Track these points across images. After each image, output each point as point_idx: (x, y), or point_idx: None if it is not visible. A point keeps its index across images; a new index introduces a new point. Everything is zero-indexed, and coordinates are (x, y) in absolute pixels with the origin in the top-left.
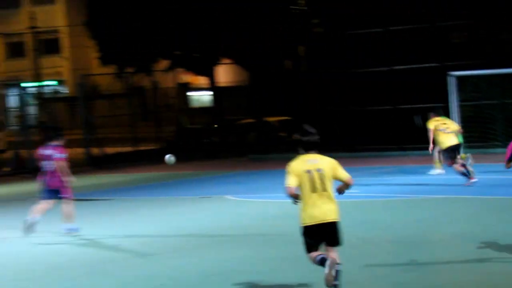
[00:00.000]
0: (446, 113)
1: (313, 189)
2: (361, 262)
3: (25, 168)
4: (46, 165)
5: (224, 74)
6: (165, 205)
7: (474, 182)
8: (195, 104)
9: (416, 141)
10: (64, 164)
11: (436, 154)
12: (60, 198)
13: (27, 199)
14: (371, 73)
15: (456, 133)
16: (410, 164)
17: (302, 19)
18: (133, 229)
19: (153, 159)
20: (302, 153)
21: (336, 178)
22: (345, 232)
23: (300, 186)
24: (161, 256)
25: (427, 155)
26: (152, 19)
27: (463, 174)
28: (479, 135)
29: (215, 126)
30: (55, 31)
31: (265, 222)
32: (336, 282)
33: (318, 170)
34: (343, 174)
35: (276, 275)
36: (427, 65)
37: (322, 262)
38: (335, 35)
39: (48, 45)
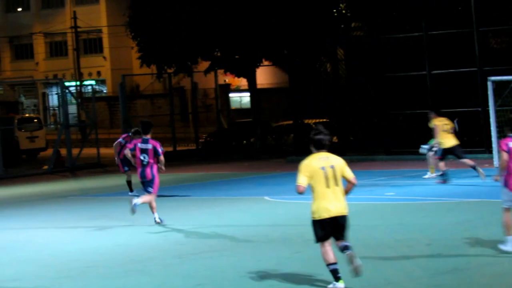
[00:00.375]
0: (486, 118)
1: (327, 185)
2: (397, 263)
3: (64, 167)
4: (143, 158)
5: (264, 76)
6: (203, 205)
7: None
8: (235, 106)
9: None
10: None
11: (431, 158)
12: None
13: (67, 197)
14: (410, 77)
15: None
16: (450, 167)
17: (342, 22)
18: (171, 228)
19: (192, 159)
20: (314, 152)
21: (343, 176)
22: (382, 234)
23: (313, 182)
24: (198, 256)
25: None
26: (193, 20)
27: (442, 174)
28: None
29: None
30: (97, 31)
31: (302, 223)
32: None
33: (331, 167)
34: (350, 173)
35: (313, 276)
36: (465, 69)
37: (335, 272)
38: (375, 39)
39: (90, 44)
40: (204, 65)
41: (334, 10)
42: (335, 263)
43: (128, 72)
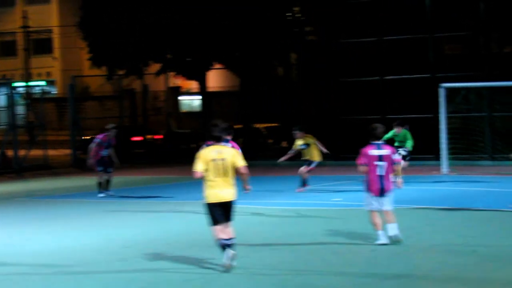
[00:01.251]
0: (436, 125)
1: (218, 174)
2: (341, 269)
3: (10, 168)
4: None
5: (215, 79)
6: (149, 209)
7: None
8: (185, 108)
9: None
10: None
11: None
12: None
13: (12, 199)
14: (362, 82)
15: None
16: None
17: (296, 26)
18: (115, 231)
19: (141, 162)
20: (211, 144)
21: (234, 166)
22: (327, 240)
23: (206, 171)
24: (143, 259)
25: (414, 165)
26: (144, 22)
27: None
28: (466, 146)
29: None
30: (48, 31)
31: (248, 229)
32: (232, 263)
33: (222, 159)
34: (240, 163)
35: (253, 284)
36: (418, 75)
37: (223, 246)
38: (328, 44)
39: (40, 45)
40: (155, 67)
41: (288, 14)
42: (228, 238)
43: (78, 73)
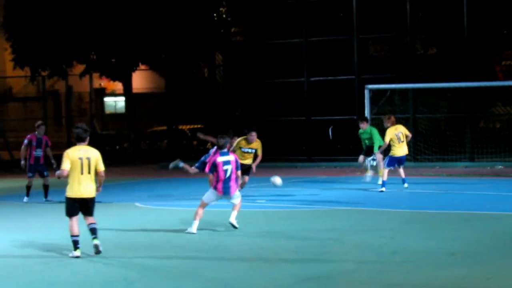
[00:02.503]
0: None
1: (82, 172)
2: (263, 270)
3: None
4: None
5: (140, 80)
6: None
7: None
8: (110, 110)
9: (327, 153)
10: None
11: (367, 162)
12: None
13: None
14: (287, 83)
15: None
16: (320, 175)
17: (222, 27)
18: (39, 234)
19: None
20: (76, 144)
21: (96, 168)
22: (250, 241)
23: (72, 169)
24: (65, 262)
25: (338, 166)
26: (68, 22)
27: None
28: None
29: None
30: None
31: (171, 230)
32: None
33: (87, 158)
34: (101, 167)
35: (179, 281)
36: (344, 77)
37: (75, 243)
38: (253, 45)
39: None
40: (80, 68)
41: (214, 15)
42: (77, 236)
43: (1, 74)
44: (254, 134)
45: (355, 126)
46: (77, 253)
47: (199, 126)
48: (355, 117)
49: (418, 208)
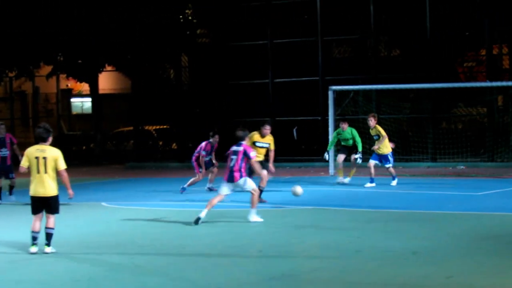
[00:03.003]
0: (325, 127)
1: (38, 171)
2: (228, 270)
3: None
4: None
5: (107, 81)
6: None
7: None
8: (76, 111)
9: (291, 153)
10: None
11: (340, 162)
12: None
13: None
14: (252, 84)
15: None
16: (284, 175)
17: (188, 29)
18: (7, 234)
19: None
20: (37, 143)
21: (56, 167)
22: (212, 240)
23: (30, 168)
24: (32, 261)
25: (303, 167)
26: (36, 24)
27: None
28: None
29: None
30: None
31: (137, 229)
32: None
33: (44, 158)
34: (61, 165)
35: (142, 279)
36: (308, 78)
37: (33, 239)
38: (218, 46)
39: None
40: (47, 69)
41: (180, 17)
42: (37, 232)
43: None
44: (268, 127)
45: (319, 127)
46: (33, 249)
47: (165, 126)
48: (319, 118)
49: (381, 208)
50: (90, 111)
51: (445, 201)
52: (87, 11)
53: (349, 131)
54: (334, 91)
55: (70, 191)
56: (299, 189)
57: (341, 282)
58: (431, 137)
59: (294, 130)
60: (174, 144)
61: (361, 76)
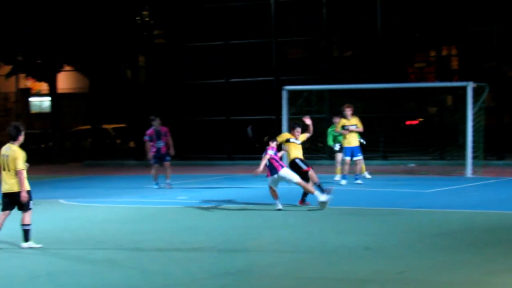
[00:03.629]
0: (279, 126)
1: (3, 169)
2: (185, 266)
3: None
4: None
5: (66, 80)
6: None
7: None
8: (35, 110)
9: (246, 151)
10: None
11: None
12: None
13: None
14: (208, 84)
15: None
16: (239, 173)
17: (145, 30)
18: None
19: None
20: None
21: (14, 166)
22: (170, 236)
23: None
24: None
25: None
26: None
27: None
28: (308, 147)
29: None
30: None
31: (95, 226)
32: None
33: (6, 156)
34: (17, 165)
35: (103, 275)
36: (262, 78)
37: None
38: (175, 47)
39: None
40: (6, 69)
41: (138, 18)
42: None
43: None
44: (299, 129)
45: (273, 126)
46: None
47: (122, 125)
48: (273, 117)
49: (333, 205)
50: (48, 110)
51: (396, 198)
52: (45, 12)
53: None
54: (288, 91)
55: (23, 194)
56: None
57: (294, 277)
58: (382, 135)
59: (249, 128)
60: (131, 143)
61: (314, 76)
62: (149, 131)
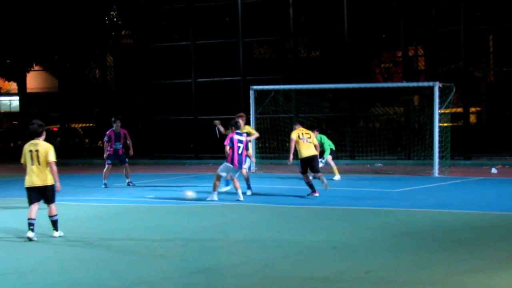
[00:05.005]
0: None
1: (32, 163)
2: (152, 263)
3: None
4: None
5: (35, 80)
6: None
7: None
8: (4, 109)
9: (214, 151)
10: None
11: (331, 162)
12: None
13: None
14: (176, 84)
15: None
16: (207, 172)
17: (113, 30)
18: None
19: None
20: (31, 139)
21: (47, 159)
22: (140, 235)
23: (25, 161)
24: None
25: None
26: None
27: (309, 185)
28: (275, 146)
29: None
30: None
31: (63, 224)
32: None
33: (36, 151)
34: (50, 158)
35: (70, 273)
36: (230, 78)
37: (29, 225)
38: (143, 47)
39: None
40: None
41: (106, 18)
42: (33, 219)
43: None
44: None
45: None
46: (29, 234)
47: (90, 124)
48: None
49: (300, 204)
50: (17, 109)
51: (363, 198)
52: (14, 12)
53: (318, 138)
54: (255, 91)
55: (58, 184)
56: (190, 193)
57: (263, 276)
58: (349, 135)
59: (216, 128)
60: (99, 142)
61: (281, 76)
62: (108, 132)
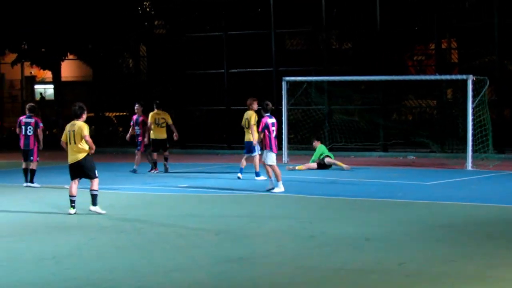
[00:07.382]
0: (279, 116)
1: (70, 142)
2: (187, 252)
3: None
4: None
5: (69, 69)
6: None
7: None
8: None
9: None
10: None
11: (334, 161)
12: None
13: None
14: (208, 74)
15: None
16: (239, 162)
17: (146, 20)
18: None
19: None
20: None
21: (81, 135)
22: (174, 223)
23: (67, 140)
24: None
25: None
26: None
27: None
28: (307, 138)
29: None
30: None
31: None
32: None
33: (73, 131)
34: (83, 132)
35: (106, 259)
36: (262, 69)
37: (71, 202)
38: (175, 37)
39: None
40: (11, 57)
41: (139, 8)
42: (74, 196)
43: None
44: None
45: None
46: (71, 210)
47: (124, 113)
48: (273, 108)
49: (334, 195)
50: (52, 97)
51: (395, 190)
52: (50, 2)
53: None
54: (288, 82)
55: (92, 151)
56: None
57: (295, 266)
58: (382, 127)
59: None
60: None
61: (314, 67)
62: (133, 117)
